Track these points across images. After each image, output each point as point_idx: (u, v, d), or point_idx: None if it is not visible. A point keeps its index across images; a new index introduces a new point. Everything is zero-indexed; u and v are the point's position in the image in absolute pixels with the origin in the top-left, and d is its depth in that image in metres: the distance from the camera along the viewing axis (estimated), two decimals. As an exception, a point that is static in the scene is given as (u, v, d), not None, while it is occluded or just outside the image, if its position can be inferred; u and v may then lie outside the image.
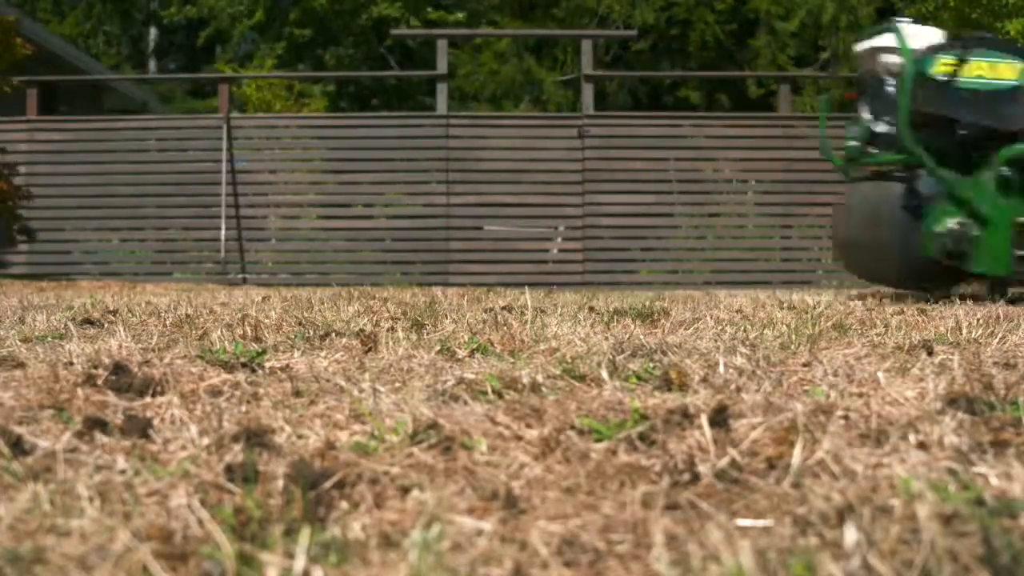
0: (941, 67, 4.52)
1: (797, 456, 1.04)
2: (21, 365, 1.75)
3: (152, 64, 24.53)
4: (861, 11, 16.95)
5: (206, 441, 1.14)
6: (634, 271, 8.92)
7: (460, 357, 1.93)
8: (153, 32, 24.62)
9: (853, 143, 4.98)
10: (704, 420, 1.15)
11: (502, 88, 18.73)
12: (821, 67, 18.03)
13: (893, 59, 4.69)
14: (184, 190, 8.90)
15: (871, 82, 4.96)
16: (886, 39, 4.77)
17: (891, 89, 4.76)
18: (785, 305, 3.48)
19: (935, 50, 4.57)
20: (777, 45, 18.19)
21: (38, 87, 9.13)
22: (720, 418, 1.18)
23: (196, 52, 23.45)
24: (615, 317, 2.84)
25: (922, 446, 1.12)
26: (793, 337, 2.18)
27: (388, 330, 2.35)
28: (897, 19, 4.90)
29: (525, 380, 1.50)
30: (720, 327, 2.49)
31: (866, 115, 4.97)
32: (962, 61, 4.52)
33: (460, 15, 19.96)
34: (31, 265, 8.82)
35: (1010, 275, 4.55)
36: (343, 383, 1.51)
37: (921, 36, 4.69)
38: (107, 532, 0.82)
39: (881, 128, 4.87)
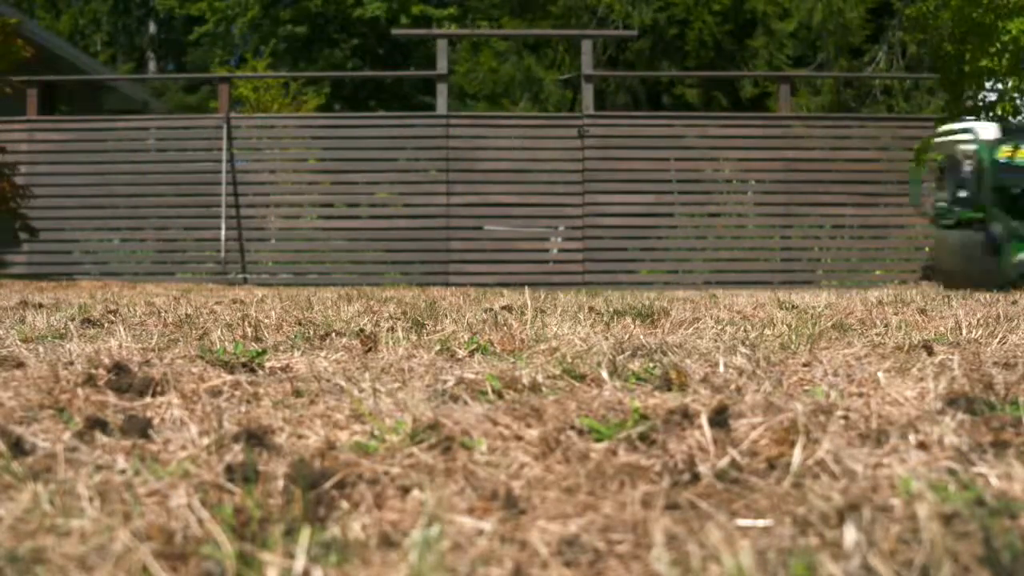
0: (1003, 153, 6.61)
1: (797, 456, 1.04)
2: (21, 365, 1.75)
3: (151, 64, 24.53)
4: (848, 14, 17.04)
5: (206, 441, 1.13)
6: (634, 271, 8.92)
7: (460, 357, 1.93)
8: (152, 27, 24.62)
9: (943, 204, 7.12)
10: (704, 420, 1.15)
11: (501, 87, 18.69)
12: (818, 67, 18.06)
13: (968, 147, 6.80)
14: (184, 190, 8.89)
15: (951, 163, 7.03)
16: (961, 134, 6.90)
17: (968, 168, 6.87)
18: (785, 305, 3.47)
19: (998, 142, 6.65)
20: (775, 45, 18.23)
21: (38, 87, 9.13)
22: (720, 418, 1.18)
23: (192, 48, 23.44)
24: (615, 317, 2.83)
25: (922, 446, 1.11)
26: (793, 337, 2.18)
27: (388, 330, 2.35)
28: (968, 120, 7.31)
29: (525, 380, 1.50)
30: (720, 327, 2.49)
31: (951, 185, 7.03)
32: (1016, 147, 6.60)
33: (452, 9, 19.90)
34: (31, 265, 8.82)
35: None
36: (343, 383, 1.51)
37: (985, 131, 6.77)
38: (107, 532, 0.82)
39: (962, 194, 6.93)
